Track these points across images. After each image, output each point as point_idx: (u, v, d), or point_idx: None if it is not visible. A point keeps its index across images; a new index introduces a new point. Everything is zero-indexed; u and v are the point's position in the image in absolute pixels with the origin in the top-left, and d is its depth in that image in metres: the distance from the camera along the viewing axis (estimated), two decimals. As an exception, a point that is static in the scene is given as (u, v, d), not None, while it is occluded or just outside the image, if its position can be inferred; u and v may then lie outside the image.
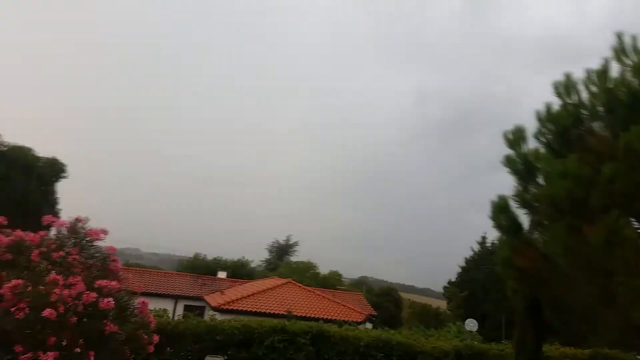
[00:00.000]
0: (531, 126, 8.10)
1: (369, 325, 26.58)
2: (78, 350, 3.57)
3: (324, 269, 54.74)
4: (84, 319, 3.75)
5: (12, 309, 3.48)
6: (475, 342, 11.46)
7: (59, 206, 39.53)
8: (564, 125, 7.43)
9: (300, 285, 30.96)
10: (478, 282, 39.75)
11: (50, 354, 3.39)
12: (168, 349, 8.58)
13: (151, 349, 4.41)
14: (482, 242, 43.81)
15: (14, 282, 3.59)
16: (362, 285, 60.52)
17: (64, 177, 40.78)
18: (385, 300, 52.73)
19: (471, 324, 24.15)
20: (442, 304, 49.34)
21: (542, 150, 7.75)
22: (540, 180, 7.50)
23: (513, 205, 7.97)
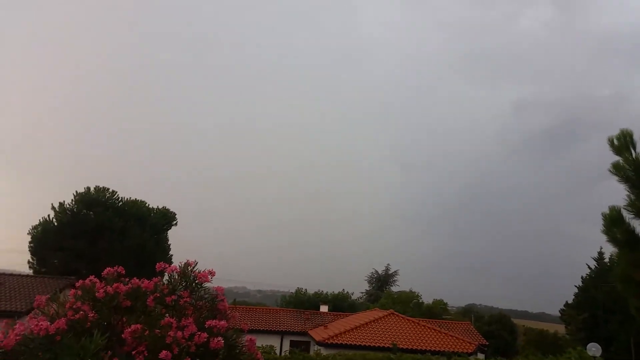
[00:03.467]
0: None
1: (480, 356, 25.15)
2: (193, 389, 3.72)
3: (427, 299, 53.16)
4: (197, 359, 3.92)
5: (133, 352, 3.74)
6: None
7: (171, 252, 42.49)
8: (677, 124, 6.77)
9: (403, 316, 30.26)
10: (598, 301, 36.27)
11: (168, 393, 3.56)
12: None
13: (260, 384, 4.50)
14: (599, 258, 40.14)
15: (133, 327, 3.85)
16: (469, 313, 57.75)
17: (174, 225, 43.93)
18: (498, 328, 49.78)
19: (594, 349, 21.99)
20: (560, 329, 45.55)
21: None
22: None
23: (627, 215, 7.31)
